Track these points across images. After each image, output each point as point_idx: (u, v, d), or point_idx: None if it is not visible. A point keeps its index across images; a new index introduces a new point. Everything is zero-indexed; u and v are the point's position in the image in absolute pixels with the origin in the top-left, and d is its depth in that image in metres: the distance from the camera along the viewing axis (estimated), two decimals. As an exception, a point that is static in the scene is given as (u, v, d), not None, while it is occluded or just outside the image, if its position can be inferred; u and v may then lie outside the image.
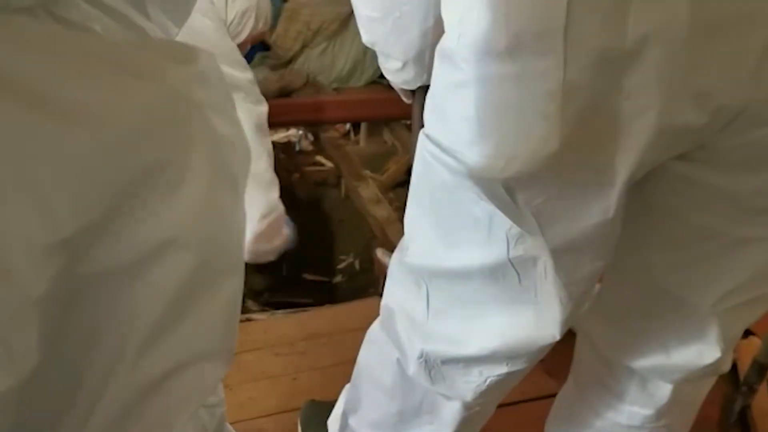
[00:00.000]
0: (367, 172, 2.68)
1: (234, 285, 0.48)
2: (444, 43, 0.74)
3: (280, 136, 3.08)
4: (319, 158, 2.96)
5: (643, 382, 0.99)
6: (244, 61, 2.03)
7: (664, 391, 0.98)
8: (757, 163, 0.73)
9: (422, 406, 1.02)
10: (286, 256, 2.32)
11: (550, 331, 0.83)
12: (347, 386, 1.19)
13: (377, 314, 1.04)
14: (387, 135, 2.99)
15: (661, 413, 1.00)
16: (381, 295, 1.02)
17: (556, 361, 1.13)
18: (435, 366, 0.94)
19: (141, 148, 0.39)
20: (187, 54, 0.44)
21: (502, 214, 0.76)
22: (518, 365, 0.89)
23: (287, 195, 2.74)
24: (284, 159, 2.92)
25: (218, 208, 0.45)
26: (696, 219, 0.81)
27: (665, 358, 0.94)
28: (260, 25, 2.12)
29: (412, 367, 0.96)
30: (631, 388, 1.01)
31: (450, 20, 0.73)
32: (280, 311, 2.01)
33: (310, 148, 3.06)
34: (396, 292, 0.98)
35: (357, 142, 3.05)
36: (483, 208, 0.77)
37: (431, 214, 0.86)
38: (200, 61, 0.45)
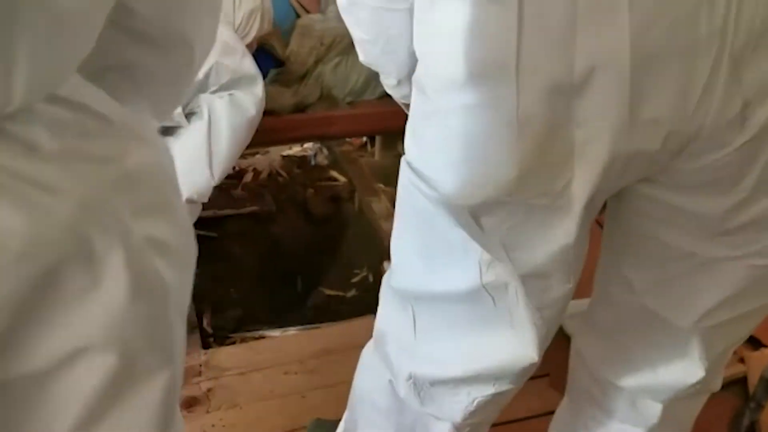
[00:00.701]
0: (380, 186, 2.69)
1: (166, 377, 0.46)
2: (416, 74, 0.77)
3: (296, 150, 3.11)
4: (333, 173, 2.98)
5: (633, 400, 0.99)
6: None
7: (653, 410, 0.97)
8: (718, 186, 0.73)
9: (415, 427, 1.02)
10: (300, 271, 2.34)
11: (529, 353, 0.84)
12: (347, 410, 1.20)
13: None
14: (401, 147, 2.99)
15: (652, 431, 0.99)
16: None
17: (563, 377, 1.12)
18: (424, 387, 0.94)
19: (39, 260, 0.37)
20: (113, 153, 0.42)
21: (473, 241, 0.77)
22: (504, 386, 0.89)
23: (302, 210, 2.77)
24: (299, 174, 2.95)
25: (142, 312, 0.43)
26: (666, 238, 0.81)
27: (653, 377, 0.93)
28: (265, 25, 2.12)
29: (403, 389, 0.97)
30: (621, 406, 1.00)
31: (419, 52, 0.76)
32: (292, 328, 2.03)
33: (325, 162, 3.08)
34: (386, 315, 1.00)
35: (373, 155, 3.06)
36: (458, 234, 0.78)
37: (413, 239, 0.87)
38: (129, 160, 0.43)
